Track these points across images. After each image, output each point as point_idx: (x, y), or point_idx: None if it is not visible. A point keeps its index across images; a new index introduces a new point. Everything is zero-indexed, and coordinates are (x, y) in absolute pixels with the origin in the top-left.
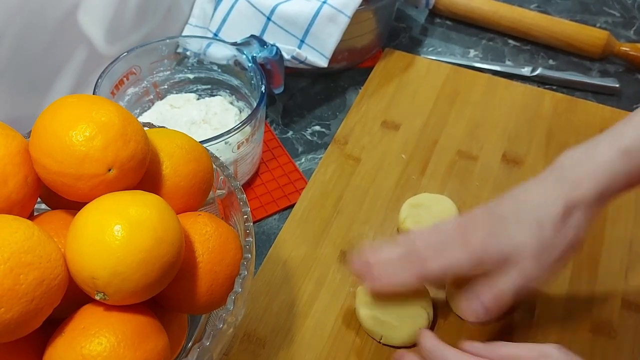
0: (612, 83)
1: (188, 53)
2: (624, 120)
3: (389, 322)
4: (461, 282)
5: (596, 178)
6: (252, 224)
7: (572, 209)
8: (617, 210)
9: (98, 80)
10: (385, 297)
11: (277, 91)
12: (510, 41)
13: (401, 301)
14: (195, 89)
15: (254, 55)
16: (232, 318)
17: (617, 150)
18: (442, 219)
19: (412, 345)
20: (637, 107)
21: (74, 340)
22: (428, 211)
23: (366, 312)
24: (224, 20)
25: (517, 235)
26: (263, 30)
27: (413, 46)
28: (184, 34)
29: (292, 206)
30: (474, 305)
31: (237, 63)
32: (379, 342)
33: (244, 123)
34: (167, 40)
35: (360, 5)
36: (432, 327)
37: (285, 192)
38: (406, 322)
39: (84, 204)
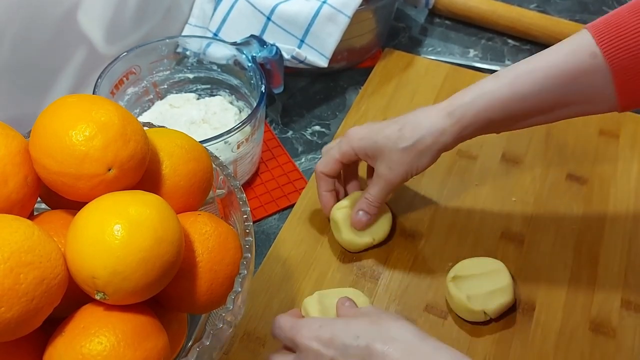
0: None
1: (188, 53)
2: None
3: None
4: None
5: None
6: (251, 223)
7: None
8: (617, 211)
9: (98, 80)
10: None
11: (276, 91)
12: (510, 41)
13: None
14: (195, 88)
15: (254, 55)
16: (232, 317)
17: (443, 113)
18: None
19: None
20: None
21: (74, 340)
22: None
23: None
24: (223, 20)
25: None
26: (263, 30)
27: (412, 46)
28: (183, 33)
29: (292, 206)
30: (356, 215)
31: (236, 63)
32: None
33: (243, 123)
34: (167, 40)
35: (360, 5)
36: None
37: (285, 192)
38: None
39: (84, 203)
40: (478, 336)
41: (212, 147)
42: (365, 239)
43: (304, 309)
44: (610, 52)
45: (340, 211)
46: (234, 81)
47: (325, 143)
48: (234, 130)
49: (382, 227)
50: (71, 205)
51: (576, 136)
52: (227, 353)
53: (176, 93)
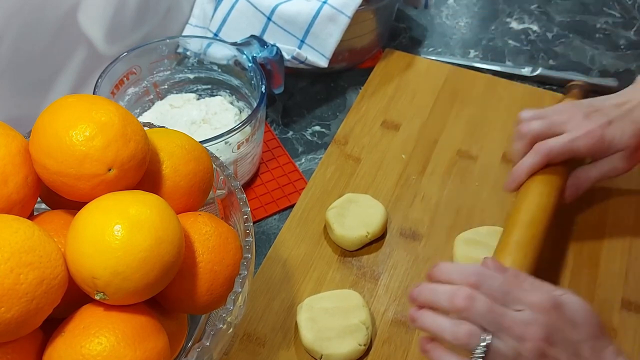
0: (612, 83)
1: (188, 53)
2: None
3: (329, 338)
4: None
5: None
6: (252, 224)
7: None
8: (617, 211)
9: (98, 80)
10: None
11: (277, 91)
12: (510, 41)
13: (341, 316)
14: (195, 89)
15: (254, 55)
16: (232, 318)
17: None
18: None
19: None
20: None
21: (74, 340)
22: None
23: (307, 328)
24: (224, 20)
25: (625, 132)
26: (263, 30)
27: (413, 46)
28: (184, 34)
29: (292, 206)
30: (570, 187)
31: (237, 63)
32: None
33: (244, 123)
34: (167, 40)
35: (360, 6)
36: (371, 342)
37: (285, 192)
38: (346, 337)
39: (84, 204)
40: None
41: (213, 148)
42: (359, 232)
43: (298, 315)
44: None
45: (332, 211)
46: (235, 81)
47: (326, 143)
48: (235, 131)
49: (375, 220)
50: (71, 205)
51: None
52: (227, 353)
53: (176, 93)
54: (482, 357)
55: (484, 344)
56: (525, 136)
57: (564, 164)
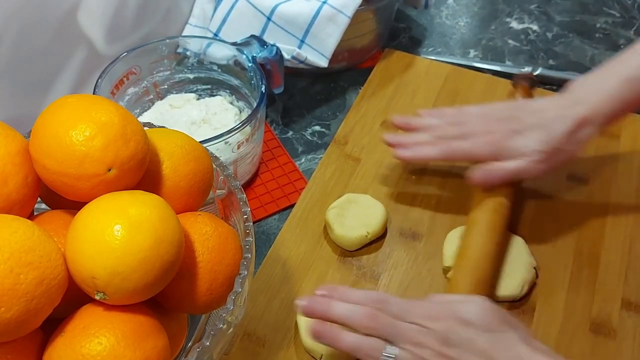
0: None
1: (188, 53)
2: (630, 49)
3: None
4: None
5: (603, 101)
6: (252, 223)
7: (581, 126)
8: (617, 211)
9: (98, 80)
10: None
11: (277, 91)
12: (510, 41)
13: None
14: (195, 89)
15: (254, 55)
16: (232, 318)
17: (621, 78)
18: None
19: None
20: None
21: (74, 340)
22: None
23: (307, 327)
24: (224, 20)
25: (532, 140)
26: (263, 30)
27: (413, 46)
28: (184, 34)
29: (292, 206)
30: (479, 172)
31: (237, 63)
32: None
33: (244, 123)
34: (167, 40)
35: (360, 6)
36: None
37: (285, 192)
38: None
39: (84, 204)
40: None
41: (213, 148)
42: (359, 232)
43: (298, 315)
44: None
45: (331, 211)
46: (234, 81)
47: (326, 143)
48: (234, 131)
49: (375, 221)
50: (71, 205)
51: None
52: (227, 353)
53: (176, 93)
54: None
55: (388, 353)
56: (432, 130)
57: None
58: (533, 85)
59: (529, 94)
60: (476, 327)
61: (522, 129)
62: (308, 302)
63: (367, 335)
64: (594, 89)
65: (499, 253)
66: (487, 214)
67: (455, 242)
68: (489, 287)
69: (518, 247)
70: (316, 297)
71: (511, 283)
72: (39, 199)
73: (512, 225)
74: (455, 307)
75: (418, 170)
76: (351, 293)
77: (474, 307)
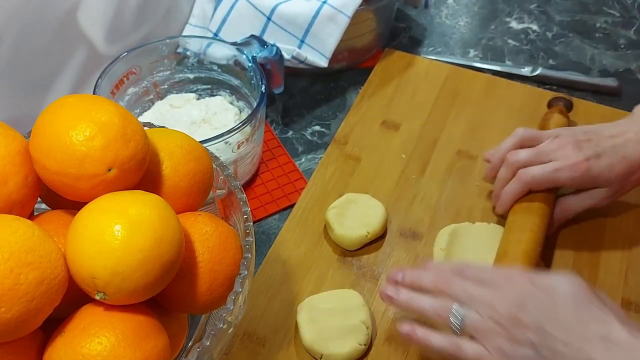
0: (612, 83)
1: (188, 53)
2: None
3: (329, 337)
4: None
5: None
6: (252, 223)
7: None
8: (617, 211)
9: (98, 80)
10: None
11: (277, 91)
12: (510, 41)
13: (341, 316)
14: (195, 88)
15: (254, 55)
16: (232, 318)
17: None
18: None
19: None
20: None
21: (74, 340)
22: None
23: (307, 328)
24: (224, 20)
25: (613, 168)
26: (263, 30)
27: (413, 46)
28: (184, 34)
29: (292, 206)
30: (559, 209)
31: (237, 63)
32: None
33: (244, 123)
34: (167, 40)
35: (360, 5)
36: (371, 342)
37: (285, 192)
38: (346, 337)
39: (84, 204)
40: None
41: (213, 148)
42: (359, 232)
43: (298, 315)
44: None
45: (331, 211)
46: (235, 81)
47: (326, 143)
48: (234, 131)
49: (375, 220)
50: (71, 205)
51: None
52: (227, 353)
53: (176, 93)
54: (458, 328)
55: (458, 313)
56: (511, 165)
57: (551, 190)
58: (569, 107)
59: (566, 118)
60: (561, 296)
61: (601, 155)
62: (400, 274)
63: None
64: None
65: (539, 253)
66: (530, 215)
67: (444, 240)
68: None
69: None
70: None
71: None
72: (39, 199)
73: None
74: (541, 276)
75: (418, 171)
76: (430, 263)
77: (564, 279)
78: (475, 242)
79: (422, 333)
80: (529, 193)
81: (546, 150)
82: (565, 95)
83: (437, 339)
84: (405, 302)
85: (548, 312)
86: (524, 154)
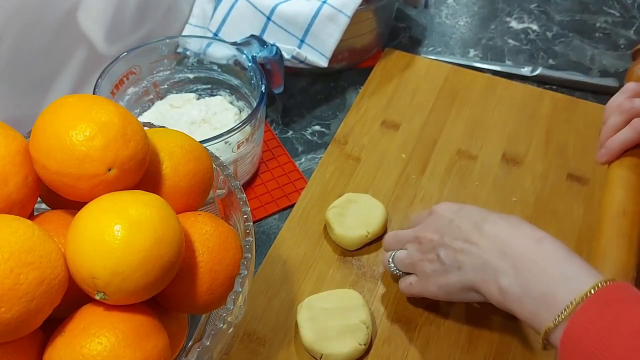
0: (612, 83)
1: (188, 53)
2: None
3: (329, 337)
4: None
5: None
6: (252, 223)
7: None
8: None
9: (98, 80)
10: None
11: (277, 91)
12: (510, 41)
13: (341, 316)
14: (195, 88)
15: (254, 55)
16: (232, 317)
17: None
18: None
19: None
20: None
21: (74, 340)
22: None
23: (307, 328)
24: (224, 20)
25: None
26: (263, 30)
27: (413, 46)
28: (184, 33)
29: (292, 206)
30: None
31: (237, 63)
32: None
33: (244, 123)
34: (167, 40)
35: (360, 5)
36: (371, 342)
37: (285, 192)
38: (346, 337)
39: (84, 204)
40: (478, 336)
41: (213, 147)
42: (359, 231)
43: (298, 315)
44: None
45: (331, 210)
46: (234, 81)
47: (326, 143)
48: (234, 131)
49: (375, 220)
50: (71, 205)
51: (576, 136)
52: (227, 353)
53: (176, 93)
54: (398, 270)
55: (392, 257)
56: (626, 112)
57: None
58: None
59: None
60: (464, 212)
61: None
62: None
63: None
64: None
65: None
66: (632, 171)
67: None
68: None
69: None
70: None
71: None
72: (39, 199)
73: None
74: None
75: (418, 170)
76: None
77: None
78: None
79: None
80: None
81: None
82: None
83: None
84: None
85: (454, 228)
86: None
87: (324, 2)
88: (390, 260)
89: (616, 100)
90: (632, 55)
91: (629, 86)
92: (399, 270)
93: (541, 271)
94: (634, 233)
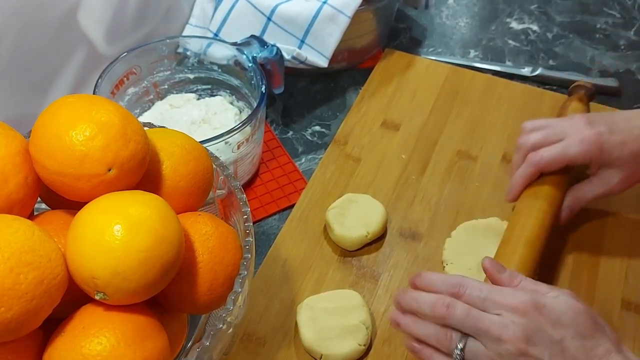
0: (612, 83)
1: (188, 53)
2: None
3: (329, 338)
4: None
5: None
6: (252, 224)
7: None
8: (617, 211)
9: (98, 80)
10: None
11: (277, 91)
12: (510, 41)
13: (341, 316)
14: (195, 89)
15: (254, 55)
16: (232, 318)
17: None
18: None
19: None
20: (637, 107)
21: (74, 340)
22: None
23: (307, 328)
24: (224, 20)
25: (625, 146)
26: (263, 30)
27: (413, 46)
28: (184, 34)
29: (292, 206)
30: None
31: (237, 63)
32: None
33: (244, 123)
34: (167, 40)
35: (361, 6)
36: (371, 342)
37: (285, 192)
38: (346, 337)
39: (84, 204)
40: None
41: (213, 148)
42: (359, 232)
43: (297, 315)
44: None
45: (331, 211)
46: (235, 81)
47: (326, 143)
48: (235, 131)
49: (375, 220)
50: (71, 205)
51: None
52: (227, 353)
53: (176, 93)
54: (461, 358)
55: (461, 345)
56: (521, 148)
57: (563, 174)
58: (592, 96)
59: (585, 106)
60: (566, 329)
61: (614, 131)
62: (401, 298)
63: (443, 325)
64: None
65: (544, 239)
66: (538, 200)
67: (456, 243)
68: (532, 270)
69: None
70: (408, 291)
71: None
72: (39, 199)
73: None
74: (544, 300)
75: (418, 170)
76: (434, 279)
77: (565, 304)
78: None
79: (428, 353)
80: (540, 177)
81: (556, 131)
82: (587, 84)
83: None
84: (408, 329)
85: (555, 347)
86: (533, 136)
87: (324, 2)
88: (459, 344)
89: (518, 140)
90: (569, 91)
91: (525, 125)
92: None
93: None
94: (539, 234)
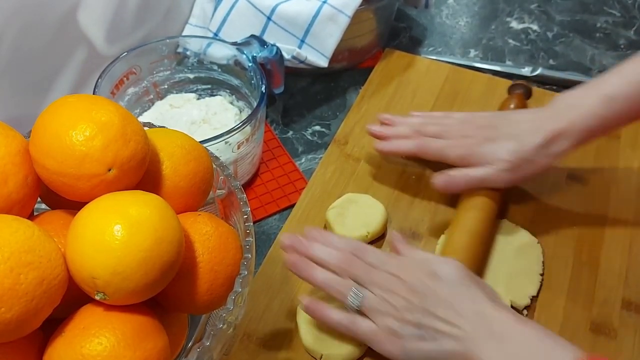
0: None
1: (188, 53)
2: (614, 68)
3: (329, 338)
4: None
5: (581, 117)
6: (252, 223)
7: (554, 140)
8: (617, 211)
9: (98, 80)
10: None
11: (277, 91)
12: (510, 41)
13: None
14: (195, 88)
15: (254, 55)
16: (232, 318)
17: (601, 96)
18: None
19: None
20: None
21: (74, 340)
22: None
23: (307, 328)
24: (224, 20)
25: (502, 148)
26: (263, 30)
27: (413, 46)
28: (184, 34)
29: (292, 206)
30: (442, 177)
31: (237, 63)
32: None
33: (244, 123)
34: (167, 40)
35: (361, 5)
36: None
37: (286, 192)
38: (346, 337)
39: (84, 204)
40: None
41: (213, 148)
42: (359, 232)
43: (298, 315)
44: None
45: (332, 211)
46: (235, 81)
47: (326, 143)
48: (235, 131)
49: (375, 220)
50: (71, 205)
51: None
52: (227, 354)
53: (176, 93)
54: (356, 306)
55: (357, 294)
56: (412, 125)
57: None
58: (528, 94)
59: (522, 103)
60: (443, 281)
61: (495, 137)
62: (291, 240)
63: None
64: (573, 104)
65: (483, 247)
66: (470, 211)
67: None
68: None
69: (534, 254)
70: (299, 237)
71: (519, 293)
72: (39, 199)
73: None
74: (430, 264)
75: (418, 170)
76: (332, 238)
77: (447, 266)
78: None
79: (321, 307)
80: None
81: (446, 128)
82: (525, 83)
83: (335, 314)
84: (307, 274)
85: (432, 294)
86: (431, 127)
87: (324, 2)
88: (356, 293)
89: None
90: (508, 90)
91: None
92: (357, 307)
93: (526, 351)
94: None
